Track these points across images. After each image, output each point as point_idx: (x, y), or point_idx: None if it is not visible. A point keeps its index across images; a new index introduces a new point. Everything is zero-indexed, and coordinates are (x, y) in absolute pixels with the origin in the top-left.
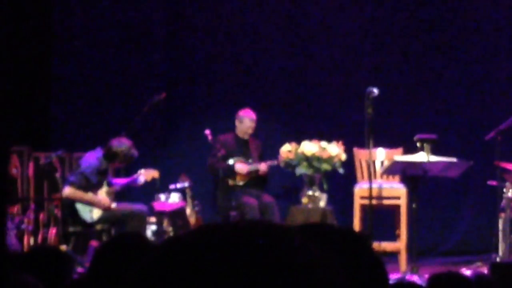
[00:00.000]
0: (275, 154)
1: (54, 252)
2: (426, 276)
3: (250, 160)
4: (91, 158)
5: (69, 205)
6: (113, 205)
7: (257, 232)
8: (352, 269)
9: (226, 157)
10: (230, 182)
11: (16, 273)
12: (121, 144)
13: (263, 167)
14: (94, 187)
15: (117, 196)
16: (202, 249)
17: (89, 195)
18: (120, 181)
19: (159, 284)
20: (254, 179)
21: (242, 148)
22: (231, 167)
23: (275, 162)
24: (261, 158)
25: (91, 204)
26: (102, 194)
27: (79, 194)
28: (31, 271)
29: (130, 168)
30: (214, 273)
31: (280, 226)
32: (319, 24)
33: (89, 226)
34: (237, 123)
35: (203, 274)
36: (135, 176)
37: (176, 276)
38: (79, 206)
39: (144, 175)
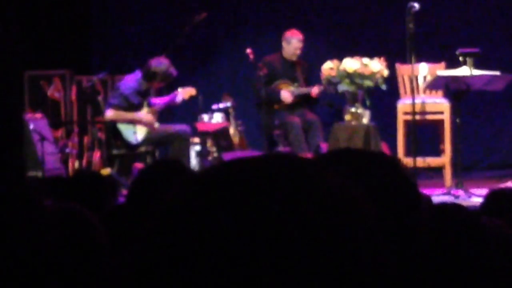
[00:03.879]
0: (318, 73)
1: (96, 177)
2: (471, 190)
3: (296, 84)
4: (131, 81)
5: (112, 127)
6: (156, 125)
7: (277, 165)
8: (383, 194)
9: (272, 79)
10: (275, 106)
11: (58, 199)
12: (160, 63)
13: (315, 90)
14: (135, 108)
15: (160, 118)
16: (224, 183)
17: (131, 114)
18: (159, 100)
19: (187, 212)
20: (299, 101)
21: (288, 70)
22: (277, 94)
23: (328, 88)
24: (307, 81)
25: (134, 122)
26: (144, 113)
27: (121, 114)
28: (73, 197)
29: (171, 90)
30: (235, 204)
31: (300, 157)
32: None
33: (133, 148)
34: (284, 44)
35: (224, 206)
36: (172, 94)
37: (201, 207)
38: (123, 128)
39: (182, 93)
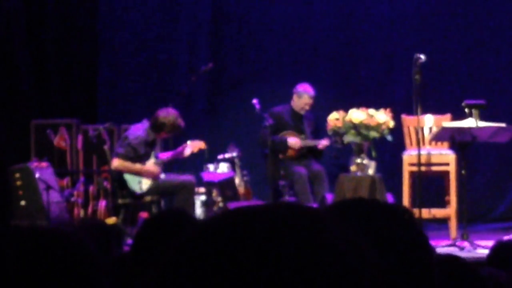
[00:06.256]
0: (324, 124)
1: (101, 227)
2: (477, 242)
3: (302, 136)
4: (138, 130)
5: (118, 177)
6: (162, 175)
7: (283, 216)
8: (394, 247)
9: (279, 130)
10: (280, 155)
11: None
12: (168, 114)
13: (323, 143)
14: (142, 158)
15: (165, 167)
16: (228, 234)
17: (138, 166)
18: (167, 155)
19: (189, 266)
20: (304, 153)
21: (296, 123)
22: (284, 142)
23: (338, 146)
24: (314, 133)
25: (140, 174)
26: (150, 165)
27: (127, 165)
28: None
29: (178, 141)
30: (239, 254)
31: (306, 207)
32: None
33: (138, 198)
34: (295, 97)
35: (228, 256)
36: (181, 147)
37: (204, 259)
38: (128, 178)
39: (191, 147)
